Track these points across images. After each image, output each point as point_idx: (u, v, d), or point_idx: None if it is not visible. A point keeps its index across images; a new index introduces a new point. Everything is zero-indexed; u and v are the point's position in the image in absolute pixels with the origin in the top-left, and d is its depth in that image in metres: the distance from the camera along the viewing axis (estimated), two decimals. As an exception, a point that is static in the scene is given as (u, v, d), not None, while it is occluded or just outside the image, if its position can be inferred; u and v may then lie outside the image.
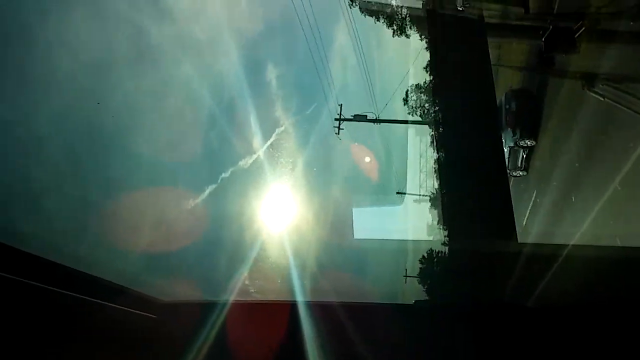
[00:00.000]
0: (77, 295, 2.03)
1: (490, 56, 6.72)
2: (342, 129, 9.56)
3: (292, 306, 2.65)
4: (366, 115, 9.25)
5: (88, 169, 4.47)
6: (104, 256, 3.22)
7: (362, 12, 9.54)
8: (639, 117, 4.92)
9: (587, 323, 2.37)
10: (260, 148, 6.36)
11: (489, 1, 7.44)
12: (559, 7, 6.91)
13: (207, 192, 5.43)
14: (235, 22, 7.50)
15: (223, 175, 5.90)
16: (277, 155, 6.43)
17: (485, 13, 7.00)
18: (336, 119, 9.54)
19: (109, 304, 2.19)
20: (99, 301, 2.14)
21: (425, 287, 4.78)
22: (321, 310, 2.62)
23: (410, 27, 8.73)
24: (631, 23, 5.35)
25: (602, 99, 5.66)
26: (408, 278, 4.93)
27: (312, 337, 2.45)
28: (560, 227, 5.77)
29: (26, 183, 3.52)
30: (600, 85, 5.77)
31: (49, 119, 4.29)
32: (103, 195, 4.23)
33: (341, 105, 9.62)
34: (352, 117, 9.43)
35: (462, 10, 6.85)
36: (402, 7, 8.97)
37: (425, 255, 5.30)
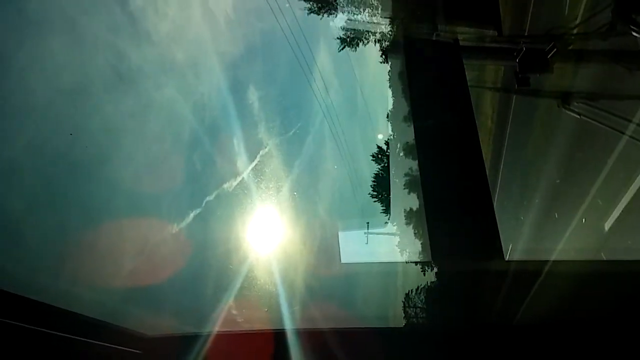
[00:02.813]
0: (57, 333, 1.92)
1: (468, 78, 6.84)
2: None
3: (282, 334, 2.58)
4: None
5: (65, 197, 4.32)
6: (84, 290, 3.08)
7: (340, 39, 9.67)
8: (614, 132, 5.02)
9: (574, 338, 2.37)
10: (244, 170, 6.27)
11: (462, 25, 7.59)
12: (530, 29, 7.10)
13: (191, 216, 5.30)
14: (216, 44, 7.48)
15: (207, 198, 5.77)
16: (262, 177, 6.35)
17: (460, 37, 7.14)
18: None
19: (92, 341, 2.08)
20: (80, 339, 2.03)
21: (415, 309, 4.71)
22: (311, 337, 2.56)
23: (387, 52, 8.85)
24: (601, 42, 5.50)
25: (579, 117, 5.77)
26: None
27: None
28: (545, 244, 5.80)
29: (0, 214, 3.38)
30: (576, 103, 5.89)
31: (24, 147, 4.15)
32: (81, 225, 4.08)
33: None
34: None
35: (438, 34, 6.98)
36: (377, 32, 9.11)
37: (412, 276, 5.25)
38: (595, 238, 5.03)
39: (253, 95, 8.58)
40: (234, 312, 3.51)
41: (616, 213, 4.95)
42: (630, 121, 4.78)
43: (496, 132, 8.53)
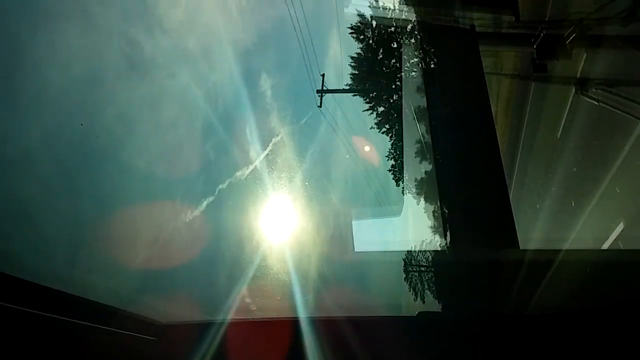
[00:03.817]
0: (71, 320, 1.93)
1: (484, 64, 6.73)
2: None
3: (295, 322, 2.57)
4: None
5: (81, 185, 4.35)
6: (99, 277, 3.11)
7: (353, 28, 9.49)
8: (632, 118, 4.92)
9: (587, 328, 2.32)
10: (257, 158, 6.27)
11: (479, 11, 7.46)
12: (550, 15, 6.95)
13: (204, 204, 5.31)
14: (228, 32, 7.44)
15: (220, 186, 5.79)
16: (274, 165, 6.34)
17: (476, 22, 7.02)
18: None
19: (106, 327, 2.09)
20: (95, 326, 2.04)
21: (429, 298, 4.69)
22: (324, 325, 2.54)
23: (402, 38, 8.73)
24: (620, 28, 5.37)
25: (597, 103, 5.65)
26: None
27: (315, 353, 2.37)
28: (562, 233, 5.73)
29: (16, 202, 3.41)
30: (594, 90, 5.77)
31: (39, 135, 4.18)
32: (96, 213, 4.11)
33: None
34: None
35: (454, 20, 6.86)
36: (393, 18, 8.97)
37: (426, 265, 5.23)
38: (612, 226, 4.95)
39: (265, 84, 8.55)
40: (247, 300, 3.52)
41: (634, 201, 4.86)
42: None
43: (513, 120, 8.41)
